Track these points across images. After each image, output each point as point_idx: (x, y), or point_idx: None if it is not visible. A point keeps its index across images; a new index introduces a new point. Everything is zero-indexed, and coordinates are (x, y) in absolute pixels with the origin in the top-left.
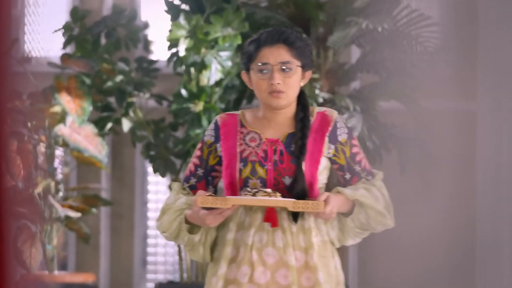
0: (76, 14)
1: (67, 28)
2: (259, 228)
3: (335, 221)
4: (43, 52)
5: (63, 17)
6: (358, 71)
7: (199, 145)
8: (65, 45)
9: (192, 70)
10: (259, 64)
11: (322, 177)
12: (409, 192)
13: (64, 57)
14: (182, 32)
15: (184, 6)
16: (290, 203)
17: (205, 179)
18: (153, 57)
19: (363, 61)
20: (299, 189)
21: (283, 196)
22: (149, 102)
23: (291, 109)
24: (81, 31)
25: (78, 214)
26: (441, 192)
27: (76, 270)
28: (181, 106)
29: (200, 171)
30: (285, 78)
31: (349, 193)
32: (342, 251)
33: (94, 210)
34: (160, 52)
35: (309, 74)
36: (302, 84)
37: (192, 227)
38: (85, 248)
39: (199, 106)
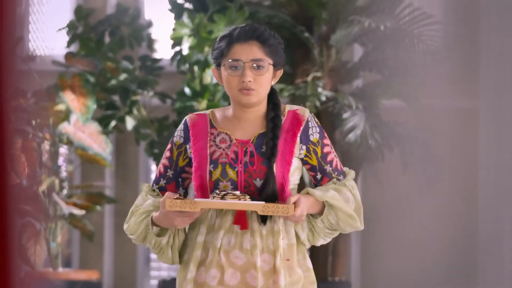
0: (80, 12)
1: (71, 26)
2: (228, 230)
3: (305, 222)
4: (47, 51)
5: (68, 16)
6: (360, 69)
7: (168, 146)
8: (69, 43)
9: (196, 68)
10: (231, 60)
11: (293, 178)
12: (411, 190)
13: (68, 55)
14: (186, 31)
15: (188, 5)
16: (260, 207)
17: (175, 181)
18: (156, 55)
19: (365, 60)
20: (269, 191)
21: (253, 198)
22: (152, 100)
23: (262, 107)
24: (85, 29)
25: (82, 212)
26: (443, 190)
27: (80, 267)
28: (185, 104)
29: (169, 173)
30: (256, 75)
31: (318, 195)
32: (345, 249)
33: (98, 207)
34: (163, 51)
35: (280, 72)
36: (273, 82)
37: (160, 230)
38: (89, 245)
39: (202, 104)
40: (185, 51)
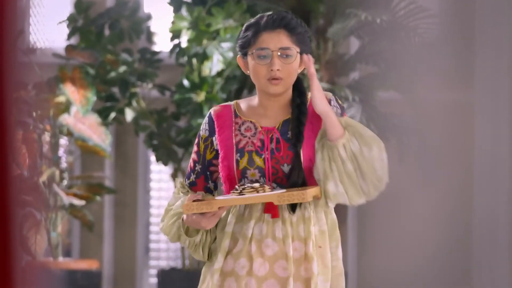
0: (80, 5)
1: (71, 19)
2: (259, 219)
3: (329, 172)
4: (48, 43)
5: (68, 9)
6: (357, 62)
7: (196, 140)
8: (69, 36)
9: (194, 61)
10: (259, 49)
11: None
12: (407, 181)
13: (69, 48)
14: (184, 24)
15: None
16: (275, 197)
17: (204, 175)
18: (156, 48)
19: (362, 52)
20: (295, 177)
21: (281, 185)
22: (152, 92)
23: (288, 95)
24: (85, 22)
25: (82, 202)
26: (439, 181)
27: (80, 257)
28: (184, 96)
29: (198, 167)
30: (284, 64)
31: (339, 118)
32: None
33: (98, 198)
34: (162, 43)
35: None
36: (299, 70)
37: (192, 230)
38: (89, 235)
39: (201, 96)
40: (184, 44)
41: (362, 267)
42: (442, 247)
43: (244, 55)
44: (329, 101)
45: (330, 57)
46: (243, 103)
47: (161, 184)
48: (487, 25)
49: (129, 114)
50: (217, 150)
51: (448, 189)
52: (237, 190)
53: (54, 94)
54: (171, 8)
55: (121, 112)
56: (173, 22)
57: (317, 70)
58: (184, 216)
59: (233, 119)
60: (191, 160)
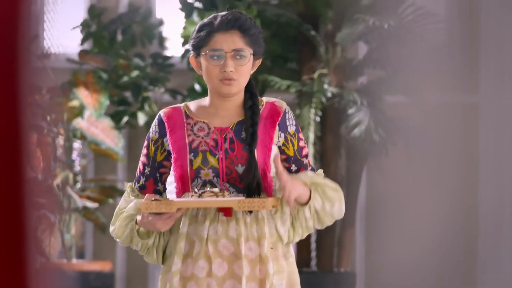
0: (94, 11)
1: (85, 25)
2: (213, 219)
3: (285, 215)
4: (62, 48)
5: (81, 15)
6: (365, 66)
7: (145, 143)
8: (83, 41)
9: None
10: (212, 50)
11: (273, 164)
12: (414, 183)
13: (82, 53)
14: None
15: (198, 4)
16: (235, 203)
17: (153, 177)
18: (167, 53)
19: (370, 57)
20: (251, 177)
21: (234, 186)
22: (163, 96)
23: (240, 96)
24: (98, 28)
25: (95, 205)
26: (445, 183)
27: (94, 258)
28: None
29: (147, 170)
30: (237, 65)
31: (302, 175)
32: (350, 241)
33: (110, 200)
34: (174, 48)
35: (258, 62)
36: (252, 71)
37: (145, 232)
38: (102, 237)
39: None
40: None
41: (370, 268)
42: (449, 248)
43: (197, 55)
44: (284, 112)
45: (339, 61)
46: (192, 105)
47: (172, 187)
48: (492, 29)
49: (141, 118)
50: (168, 151)
51: (454, 190)
52: (196, 193)
53: (68, 98)
54: (182, 14)
55: (133, 116)
56: (184, 28)
57: (325, 75)
58: (138, 218)
59: (185, 120)
60: (140, 164)
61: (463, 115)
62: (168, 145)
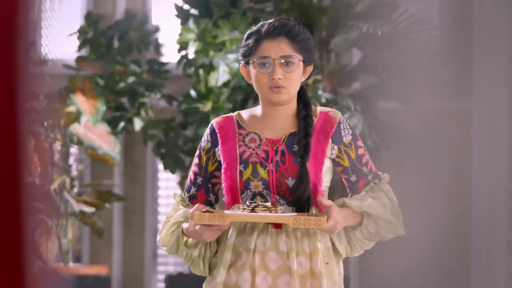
0: (91, 18)
1: (81, 31)
2: (262, 231)
3: (342, 232)
4: (59, 55)
5: (78, 21)
6: (359, 72)
7: (197, 153)
8: (80, 48)
9: (201, 71)
10: (260, 57)
11: (325, 179)
12: (408, 188)
13: (79, 59)
14: (191, 36)
15: (193, 11)
16: (291, 219)
17: (205, 188)
18: (163, 59)
19: (364, 63)
20: (302, 190)
21: (285, 199)
22: (160, 102)
23: (292, 106)
24: (95, 34)
25: (92, 209)
26: (438, 187)
27: (90, 262)
28: (191, 106)
29: (199, 180)
30: (286, 72)
31: (355, 205)
32: None
33: (107, 205)
34: (170, 55)
35: (310, 68)
36: (303, 79)
37: (191, 241)
38: (98, 241)
39: (207, 106)
40: (191, 55)
41: (363, 271)
42: (442, 252)
43: (246, 63)
44: (339, 122)
45: (333, 67)
46: (245, 114)
47: (169, 192)
48: (485, 36)
49: (137, 124)
50: (219, 162)
51: (447, 195)
52: (249, 207)
53: (65, 104)
54: (178, 21)
55: (130, 121)
56: (180, 34)
57: (320, 81)
58: (184, 226)
59: (237, 130)
60: (191, 173)
61: (456, 121)
62: (220, 155)
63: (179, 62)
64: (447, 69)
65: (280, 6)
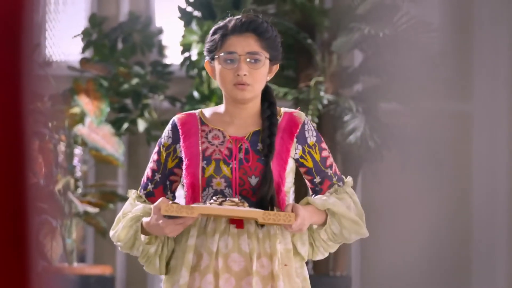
0: (94, 20)
1: (86, 33)
2: (223, 232)
3: (305, 235)
4: (63, 57)
5: (82, 24)
6: (360, 74)
7: (156, 149)
8: (84, 49)
9: (204, 73)
10: (225, 53)
11: (288, 179)
12: (409, 188)
13: (83, 61)
14: (194, 37)
15: (196, 13)
16: (260, 214)
17: (163, 185)
18: (167, 61)
19: (365, 65)
20: (266, 189)
21: (247, 199)
22: (163, 103)
23: (256, 104)
24: (99, 36)
25: (96, 210)
26: (439, 188)
27: (94, 262)
28: (194, 107)
29: (157, 176)
30: (252, 69)
31: (319, 203)
32: (346, 245)
33: (111, 205)
34: (173, 56)
35: (276, 67)
36: (268, 78)
37: (149, 237)
38: (102, 241)
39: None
40: (194, 57)
41: (365, 271)
42: (443, 252)
43: (212, 59)
44: (303, 123)
45: (335, 69)
46: (208, 111)
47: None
48: (485, 38)
49: (141, 125)
50: (180, 158)
51: (448, 196)
52: (215, 201)
53: (69, 105)
54: (181, 23)
55: (133, 122)
56: (183, 36)
57: (322, 82)
58: (145, 220)
59: (199, 127)
60: (148, 170)
61: (457, 122)
62: (181, 151)
63: (182, 63)
64: (448, 70)
65: (282, 8)
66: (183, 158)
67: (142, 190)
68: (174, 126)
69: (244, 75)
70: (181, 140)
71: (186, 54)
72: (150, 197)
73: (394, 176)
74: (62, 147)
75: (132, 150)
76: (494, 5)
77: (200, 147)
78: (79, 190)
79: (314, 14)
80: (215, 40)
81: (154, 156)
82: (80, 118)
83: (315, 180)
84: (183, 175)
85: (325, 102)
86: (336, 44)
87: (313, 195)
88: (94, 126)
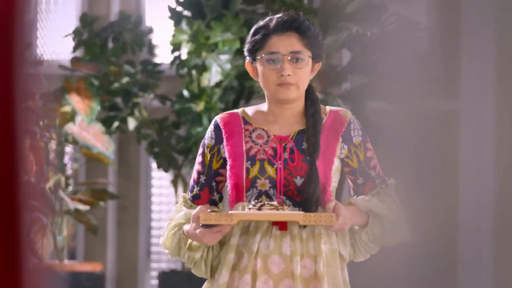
0: (85, 20)
1: (76, 33)
2: (265, 233)
3: (347, 236)
4: (54, 56)
5: (73, 23)
6: (349, 73)
7: (200, 151)
8: (74, 49)
9: (194, 72)
10: (268, 53)
11: (334, 178)
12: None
13: (74, 60)
14: (184, 37)
15: (186, 13)
16: (301, 217)
17: (208, 186)
18: (157, 60)
19: (353, 64)
20: (311, 190)
21: (292, 200)
22: (153, 102)
23: (300, 103)
24: (90, 35)
25: (87, 207)
26: (426, 187)
27: (85, 259)
28: (183, 106)
29: (202, 178)
30: (295, 69)
31: (361, 204)
32: None
33: (101, 203)
34: (163, 55)
35: (318, 65)
36: (311, 76)
37: (193, 244)
38: (93, 239)
39: (200, 106)
40: (184, 56)
41: (351, 272)
42: (429, 251)
43: (253, 60)
44: (349, 122)
45: (323, 68)
46: (250, 110)
47: (162, 190)
48: (472, 37)
49: (131, 123)
50: (224, 158)
51: (435, 194)
52: (255, 206)
53: (60, 104)
54: (171, 22)
55: (124, 121)
56: (173, 35)
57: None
58: (186, 228)
59: (243, 126)
60: (194, 172)
61: (444, 121)
62: (225, 152)
63: (172, 62)
64: (435, 70)
65: (271, 7)
66: (227, 159)
67: (189, 193)
68: (217, 126)
69: (288, 75)
70: (224, 140)
71: (176, 53)
72: (196, 199)
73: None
74: (53, 145)
75: (122, 148)
76: (482, 5)
77: (244, 147)
78: (70, 188)
79: (303, 13)
80: (256, 40)
81: (198, 158)
82: (71, 117)
83: (358, 181)
84: (227, 175)
85: None
86: (324, 43)
87: (355, 196)
88: (85, 125)
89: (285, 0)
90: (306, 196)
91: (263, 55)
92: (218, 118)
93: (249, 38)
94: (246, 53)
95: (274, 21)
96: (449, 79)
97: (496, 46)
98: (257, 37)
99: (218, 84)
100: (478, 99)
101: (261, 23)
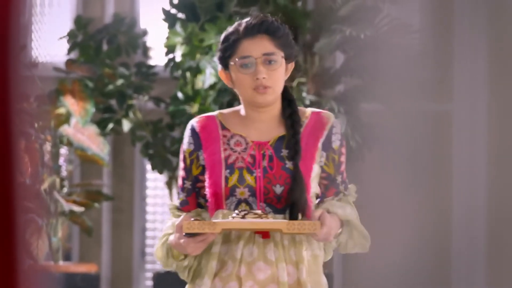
0: (80, 22)
1: (71, 35)
2: (248, 240)
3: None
4: (49, 58)
5: (68, 25)
6: (342, 75)
7: (181, 156)
8: (69, 51)
9: (188, 74)
10: (241, 57)
11: (313, 184)
12: (389, 188)
13: (69, 62)
14: (179, 39)
15: (180, 15)
16: (284, 225)
17: (195, 191)
18: (151, 62)
19: (347, 66)
20: (298, 193)
21: (271, 207)
22: (147, 104)
23: (277, 106)
24: (85, 38)
25: (82, 209)
26: (419, 188)
27: (80, 260)
28: (178, 108)
29: (187, 184)
30: (270, 71)
31: (341, 213)
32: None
33: (96, 204)
34: (158, 58)
35: (291, 65)
36: (285, 77)
37: (179, 253)
38: (88, 240)
39: (194, 108)
40: (178, 58)
41: (346, 270)
42: (423, 251)
43: (225, 67)
44: (331, 126)
45: (317, 70)
46: (227, 115)
47: (157, 191)
48: (464, 39)
49: (126, 125)
50: (203, 166)
51: (429, 195)
52: (238, 214)
53: (55, 106)
54: (166, 24)
55: (118, 123)
56: (167, 38)
57: (304, 83)
58: (171, 238)
59: (220, 131)
60: (179, 179)
61: (437, 122)
62: (203, 159)
63: (166, 65)
64: (428, 71)
65: (265, 10)
66: (205, 166)
67: (177, 200)
68: (193, 131)
69: (264, 78)
70: (202, 146)
71: (170, 56)
72: (184, 206)
73: (375, 175)
74: (48, 147)
75: (117, 150)
76: (474, 7)
77: (222, 154)
78: (65, 190)
79: (296, 16)
80: (227, 46)
81: (181, 164)
82: (65, 119)
83: (327, 185)
84: (206, 183)
85: (307, 102)
86: (318, 45)
87: (317, 199)
88: (80, 126)
89: (278, 3)
90: (293, 200)
91: (236, 59)
92: (194, 122)
93: (220, 46)
94: (218, 61)
95: (243, 25)
96: (441, 80)
97: (488, 47)
98: (227, 43)
99: (212, 86)
100: (470, 101)
101: (230, 29)
